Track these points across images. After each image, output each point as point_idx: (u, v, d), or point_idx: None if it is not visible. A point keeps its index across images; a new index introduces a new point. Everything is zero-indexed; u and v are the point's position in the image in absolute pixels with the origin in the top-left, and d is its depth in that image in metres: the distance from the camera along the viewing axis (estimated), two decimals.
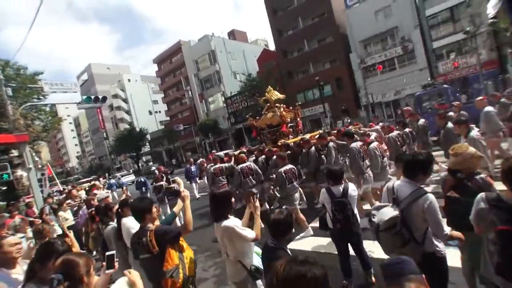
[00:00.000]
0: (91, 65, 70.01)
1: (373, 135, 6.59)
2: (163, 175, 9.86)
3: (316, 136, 7.45)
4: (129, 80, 64.96)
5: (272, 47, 48.81)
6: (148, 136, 51.50)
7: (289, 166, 5.62)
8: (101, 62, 75.26)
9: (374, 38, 26.31)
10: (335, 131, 8.58)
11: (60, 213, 6.62)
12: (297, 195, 5.58)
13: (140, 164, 51.58)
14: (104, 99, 12.66)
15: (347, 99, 28.46)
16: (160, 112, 63.64)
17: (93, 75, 68.53)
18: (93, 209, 4.81)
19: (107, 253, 2.05)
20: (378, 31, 25.51)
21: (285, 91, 32.21)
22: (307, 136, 8.43)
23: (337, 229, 3.31)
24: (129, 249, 3.23)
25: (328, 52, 30.27)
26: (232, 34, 51.36)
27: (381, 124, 8.61)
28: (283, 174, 5.42)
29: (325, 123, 26.39)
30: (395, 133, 6.54)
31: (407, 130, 6.84)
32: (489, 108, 6.38)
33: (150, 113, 64.82)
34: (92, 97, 12.01)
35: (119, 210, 3.60)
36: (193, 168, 12.14)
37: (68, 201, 8.10)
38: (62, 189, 19.56)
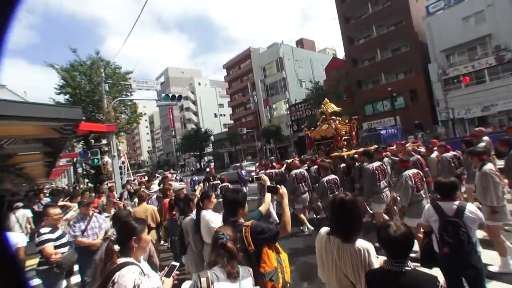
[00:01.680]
0: (168, 69, 76.51)
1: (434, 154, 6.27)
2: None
3: (373, 150, 7.22)
4: (199, 84, 69.37)
5: (340, 56, 47.81)
6: (212, 138, 53.88)
7: (332, 176, 5.86)
8: (177, 66, 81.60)
9: (459, 48, 23.85)
10: (393, 146, 8.42)
11: (136, 199, 7.09)
12: None
13: (202, 164, 54.28)
14: (180, 97, 14.09)
15: (421, 113, 26.30)
16: (224, 115, 66.54)
17: (169, 78, 74.70)
18: (173, 198, 5.05)
19: (172, 263, 2.17)
20: (465, 39, 23.03)
21: (352, 101, 31.30)
22: (361, 150, 8.16)
23: (443, 255, 2.65)
24: (206, 244, 3.26)
25: (402, 62, 28.41)
26: (301, 43, 51.43)
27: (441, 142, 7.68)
28: (325, 183, 5.62)
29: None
30: (450, 153, 6.06)
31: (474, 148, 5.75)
32: None
33: (215, 115, 67.99)
34: (170, 95, 13.33)
35: (200, 202, 3.52)
36: (243, 172, 12.68)
37: (142, 189, 8.82)
38: (133, 179, 21.49)
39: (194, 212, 3.73)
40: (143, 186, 11.51)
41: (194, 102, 67.49)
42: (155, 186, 8.82)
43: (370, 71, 31.77)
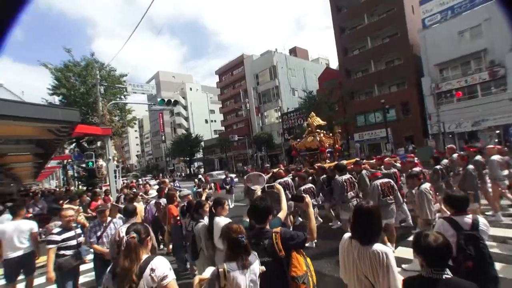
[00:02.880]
0: (159, 73, 75.81)
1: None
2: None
3: (353, 163, 8.01)
4: (190, 89, 68.93)
5: (333, 66, 48.18)
6: (202, 143, 53.43)
7: (309, 185, 6.75)
8: (168, 71, 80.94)
9: (453, 62, 24.02)
10: (373, 160, 9.09)
11: (135, 203, 6.81)
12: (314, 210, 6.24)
13: (192, 169, 53.63)
14: (176, 103, 14.15)
15: (412, 126, 26.44)
16: (215, 121, 66.29)
17: (160, 82, 74.05)
18: (184, 204, 4.92)
19: None
20: (460, 53, 23.18)
21: (345, 111, 31.34)
22: (344, 162, 8.67)
23: (467, 268, 2.59)
24: (218, 249, 3.38)
25: (396, 74, 28.64)
26: (294, 51, 51.69)
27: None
28: (302, 192, 6.33)
29: (386, 149, 24.67)
30: (418, 169, 6.49)
31: (437, 167, 6.68)
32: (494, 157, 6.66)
33: (206, 121, 67.66)
34: (165, 100, 12.98)
35: (213, 209, 3.62)
36: (228, 178, 13.04)
37: (141, 194, 8.60)
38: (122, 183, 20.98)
39: (206, 218, 3.93)
40: (134, 190, 11.18)
41: (185, 107, 66.94)
42: (153, 192, 8.68)
43: (363, 82, 31.93)
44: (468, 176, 5.81)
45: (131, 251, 1.99)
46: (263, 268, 2.44)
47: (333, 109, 30.27)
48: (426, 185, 4.77)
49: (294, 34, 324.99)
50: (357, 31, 32.45)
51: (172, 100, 13.32)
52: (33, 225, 4.82)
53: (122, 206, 5.10)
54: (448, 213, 3.06)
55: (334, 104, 30.40)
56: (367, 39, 31.31)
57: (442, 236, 1.82)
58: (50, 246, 3.82)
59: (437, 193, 6.23)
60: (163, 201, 6.65)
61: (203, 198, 5.41)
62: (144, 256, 2.06)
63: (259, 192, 3.33)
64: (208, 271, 2.29)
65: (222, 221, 3.32)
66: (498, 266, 3.76)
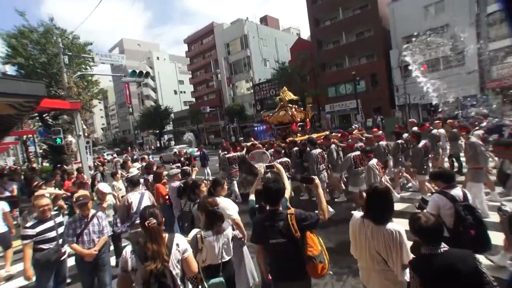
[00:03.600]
0: (123, 40, 70.87)
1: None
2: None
3: (322, 137, 8.60)
4: (157, 58, 65.63)
5: (304, 36, 47.78)
6: (172, 115, 52.12)
7: (284, 159, 7.02)
8: (133, 38, 75.98)
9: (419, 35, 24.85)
10: (340, 133, 9.63)
11: (114, 183, 6.64)
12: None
13: (162, 142, 52.51)
14: (147, 74, 13.22)
15: (381, 97, 27.52)
16: (185, 92, 64.33)
17: (124, 51, 69.46)
18: (181, 185, 4.71)
19: None
20: (425, 27, 23.94)
21: (316, 83, 31.72)
22: (314, 135, 9.50)
23: (470, 237, 2.74)
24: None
25: (365, 46, 29.15)
26: (265, 20, 50.37)
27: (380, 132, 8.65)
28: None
29: (357, 120, 25.66)
30: (384, 142, 7.34)
31: (398, 141, 7.22)
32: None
33: (175, 92, 65.54)
34: (137, 71, 12.28)
35: (211, 189, 3.52)
36: (202, 152, 12.82)
37: (121, 172, 8.20)
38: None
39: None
40: (117, 167, 10.77)
41: (153, 78, 63.92)
42: (134, 170, 8.27)
43: (334, 53, 32.19)
44: (415, 153, 6.31)
45: (156, 235, 2.21)
46: (236, 233, 3.13)
47: (305, 80, 30.53)
48: (373, 161, 5.43)
49: (263, 2, 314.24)
50: (328, 2, 32.05)
51: (144, 72, 12.56)
52: (3, 206, 5.38)
53: (99, 185, 4.92)
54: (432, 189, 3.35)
55: (306, 76, 30.62)
56: (339, 10, 31.19)
57: (432, 216, 2.00)
58: (25, 241, 3.46)
59: (395, 166, 7.34)
60: (151, 177, 6.41)
61: (193, 176, 5.37)
62: (165, 235, 2.31)
63: (262, 170, 3.28)
64: (191, 234, 2.76)
65: (223, 201, 3.30)
66: None
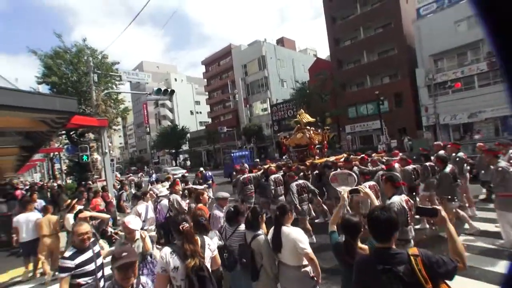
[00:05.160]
0: (143, 63, 73.16)
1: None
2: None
3: (341, 160, 8.58)
4: (175, 80, 66.82)
5: (322, 57, 47.56)
6: (188, 135, 52.13)
7: (302, 181, 6.78)
8: (152, 61, 78.37)
9: (449, 52, 23.64)
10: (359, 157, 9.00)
11: (141, 203, 6.09)
12: (305, 207, 6.42)
13: (177, 161, 52.35)
14: (172, 92, 13.67)
15: (406, 118, 26.21)
16: (200, 113, 64.98)
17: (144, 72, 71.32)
18: (231, 209, 3.85)
19: None
20: (456, 44, 22.71)
21: (335, 103, 30.83)
22: (332, 158, 9.72)
23: None
24: (286, 266, 2.96)
25: (389, 65, 28.25)
26: (281, 42, 50.64)
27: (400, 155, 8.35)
28: (295, 187, 6.43)
29: (381, 141, 24.33)
30: (411, 166, 6.66)
31: (427, 164, 6.67)
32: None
33: (192, 113, 66.19)
34: (162, 89, 12.55)
35: (279, 217, 3.08)
36: (207, 174, 12.71)
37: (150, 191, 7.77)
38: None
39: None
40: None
41: (170, 98, 64.75)
42: (163, 190, 7.52)
43: (355, 73, 31.46)
44: (443, 179, 5.79)
45: (191, 237, 2.53)
46: (309, 270, 2.86)
47: (325, 100, 29.70)
48: (368, 184, 5.06)
49: (277, 26, 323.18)
50: (349, 21, 31.78)
51: (169, 90, 12.73)
52: (38, 215, 6.34)
53: (126, 205, 4.22)
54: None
55: (326, 96, 29.78)
56: (360, 29, 30.71)
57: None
58: (62, 275, 2.91)
59: (426, 190, 6.71)
60: (174, 197, 6.16)
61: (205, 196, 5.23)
62: (196, 237, 2.60)
63: (345, 195, 2.93)
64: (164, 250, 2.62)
65: (294, 232, 2.90)
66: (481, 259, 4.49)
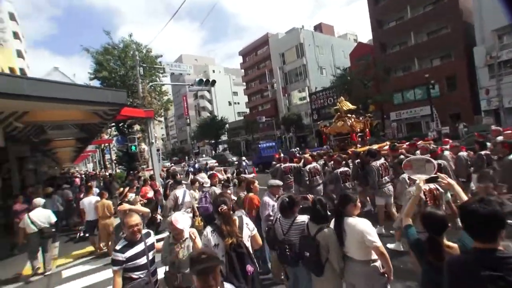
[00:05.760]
0: (182, 56, 75.20)
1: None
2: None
3: (385, 147, 8.16)
4: (213, 71, 67.91)
5: (362, 41, 45.15)
6: (227, 126, 52.97)
7: (345, 168, 6.81)
8: (191, 54, 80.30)
9: None
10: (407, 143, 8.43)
11: (191, 191, 6.36)
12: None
13: (217, 151, 53.60)
14: (214, 82, 13.72)
15: (460, 102, 24.05)
16: (238, 103, 65.61)
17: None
18: (286, 199, 3.58)
19: None
20: None
21: (379, 89, 29.12)
22: (375, 146, 9.23)
23: None
24: (351, 260, 2.75)
25: (440, 46, 25.92)
26: (319, 28, 48.87)
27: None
28: (339, 174, 6.61)
29: (431, 128, 22.60)
30: (465, 153, 6.40)
31: (482, 152, 5.92)
32: None
33: (230, 103, 67.04)
34: (204, 79, 13.21)
35: (341, 207, 2.87)
36: (244, 163, 13.43)
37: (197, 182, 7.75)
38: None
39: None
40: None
41: (209, 90, 66.23)
42: (206, 179, 7.69)
43: (400, 56, 29.46)
44: (505, 167, 5.03)
45: (229, 218, 2.73)
46: (378, 265, 2.65)
47: (368, 86, 28.16)
48: (405, 175, 4.53)
49: (313, 13, 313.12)
50: (394, 1, 29.55)
51: (211, 80, 13.09)
52: (98, 199, 6.98)
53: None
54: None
55: (369, 82, 28.21)
56: (407, 8, 28.50)
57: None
58: (114, 268, 2.82)
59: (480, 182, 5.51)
60: (212, 189, 6.16)
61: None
62: (235, 216, 2.83)
63: (422, 184, 2.62)
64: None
65: (361, 223, 2.68)
66: None
